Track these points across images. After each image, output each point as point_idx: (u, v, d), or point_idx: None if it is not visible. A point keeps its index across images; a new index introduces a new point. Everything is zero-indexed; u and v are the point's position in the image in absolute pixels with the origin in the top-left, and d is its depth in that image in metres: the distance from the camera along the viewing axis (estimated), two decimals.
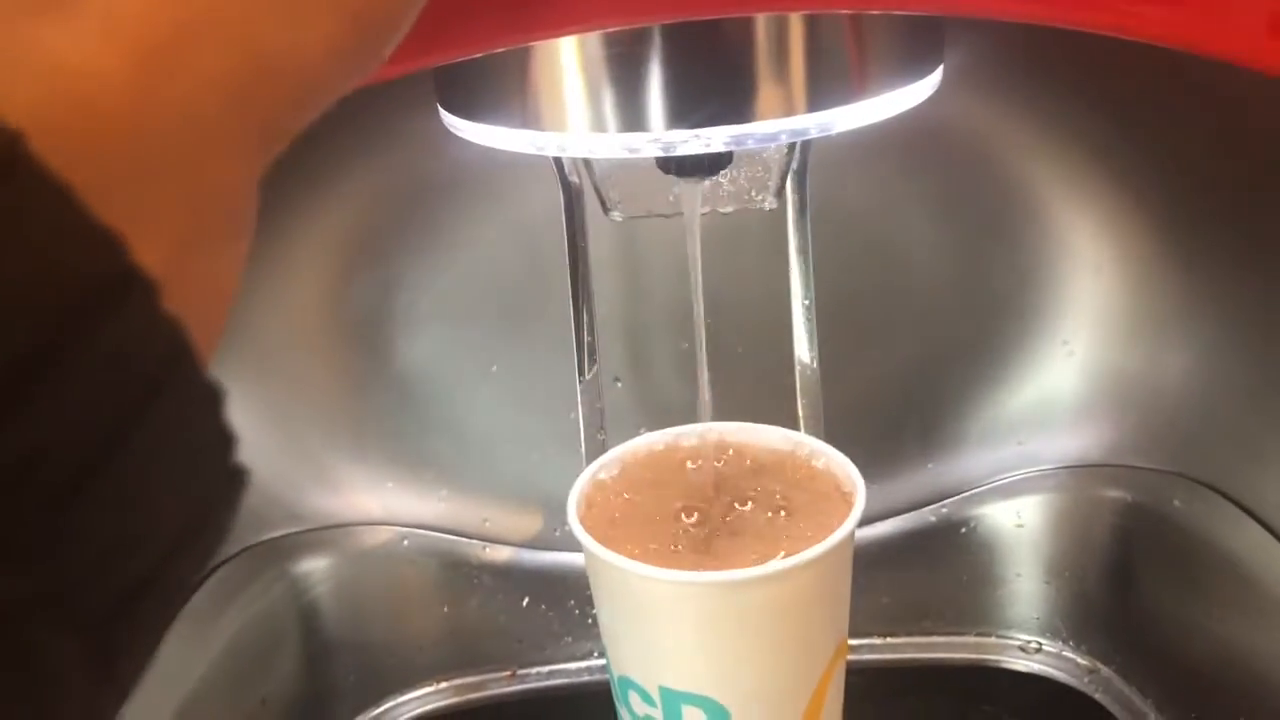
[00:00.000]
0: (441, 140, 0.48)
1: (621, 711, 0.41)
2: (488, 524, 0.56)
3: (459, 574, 0.55)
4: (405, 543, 0.55)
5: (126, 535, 0.14)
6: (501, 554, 0.56)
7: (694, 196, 0.38)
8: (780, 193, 0.43)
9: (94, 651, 0.14)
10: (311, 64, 0.16)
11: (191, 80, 0.14)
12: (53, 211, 0.12)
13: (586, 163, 0.41)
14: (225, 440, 0.15)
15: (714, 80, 0.29)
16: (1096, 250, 0.51)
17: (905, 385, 0.54)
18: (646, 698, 0.39)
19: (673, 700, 0.38)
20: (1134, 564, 0.52)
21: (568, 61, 0.29)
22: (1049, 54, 0.44)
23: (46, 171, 0.12)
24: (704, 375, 0.42)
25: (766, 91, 0.29)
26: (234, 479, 0.15)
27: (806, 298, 0.48)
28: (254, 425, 0.51)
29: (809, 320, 0.48)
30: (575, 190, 0.46)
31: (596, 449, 0.48)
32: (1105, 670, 0.54)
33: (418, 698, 0.55)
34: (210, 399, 0.15)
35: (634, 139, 0.30)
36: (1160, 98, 0.43)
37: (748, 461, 0.43)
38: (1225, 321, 0.49)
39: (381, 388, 0.54)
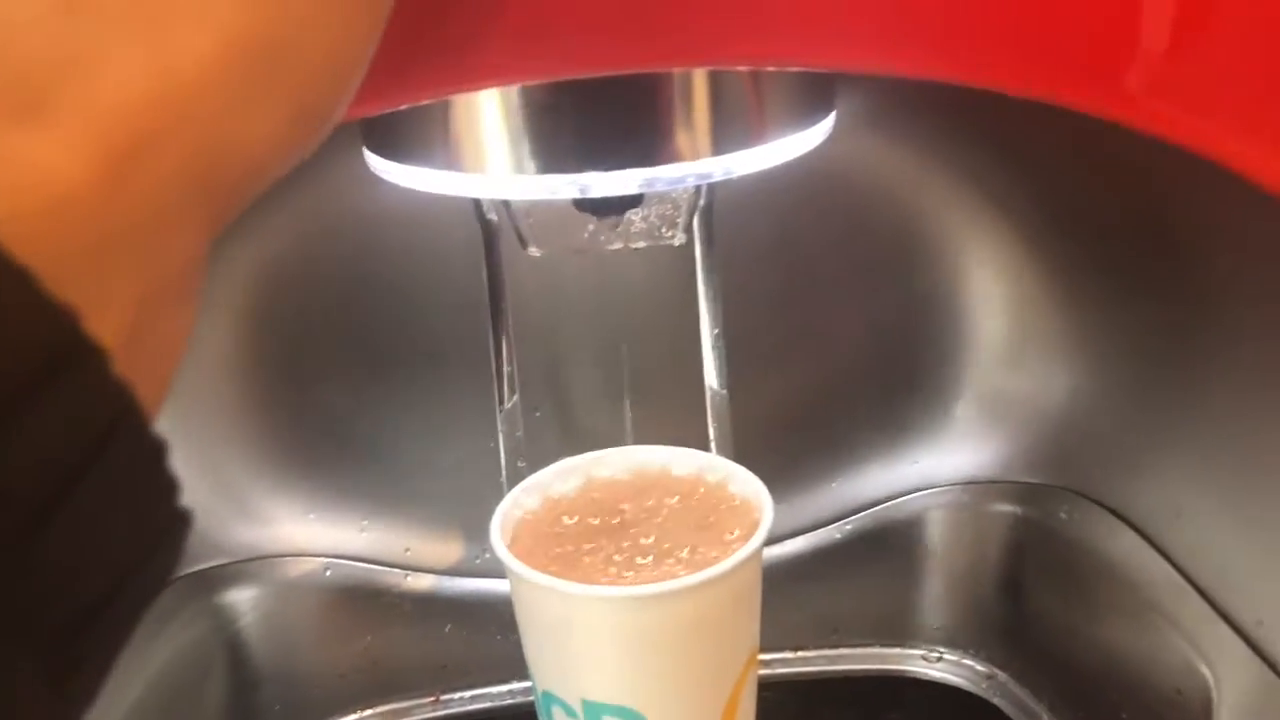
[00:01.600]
0: (362, 177, 0.50)
1: None
2: (409, 553, 0.57)
3: (382, 603, 0.57)
4: (328, 573, 0.56)
5: (81, 566, 0.15)
6: (423, 582, 0.57)
7: (605, 232, 0.40)
8: (688, 229, 0.46)
9: (52, 670, 0.15)
10: (261, 153, 0.18)
11: (152, 178, 0.16)
12: (12, 291, 0.14)
13: (504, 201, 0.43)
14: (169, 487, 0.17)
15: (626, 128, 0.31)
16: (986, 281, 0.54)
17: (810, 409, 0.57)
18: (570, 711, 0.41)
19: (594, 712, 0.40)
20: (1025, 574, 0.56)
21: (489, 110, 0.32)
22: (939, 99, 0.47)
23: (8, 257, 0.14)
24: (626, 401, 0.44)
25: (674, 139, 0.32)
26: (178, 520, 0.17)
27: (715, 327, 0.51)
28: (177, 458, 0.51)
29: (717, 349, 0.51)
30: (493, 227, 0.48)
31: (517, 476, 0.50)
32: (1002, 676, 0.57)
33: None
34: (155, 451, 0.16)
35: (553, 181, 0.32)
36: (1043, 138, 0.47)
37: (662, 483, 0.45)
38: (1103, 347, 0.53)
39: (302, 420, 0.55)
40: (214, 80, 0.17)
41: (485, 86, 0.30)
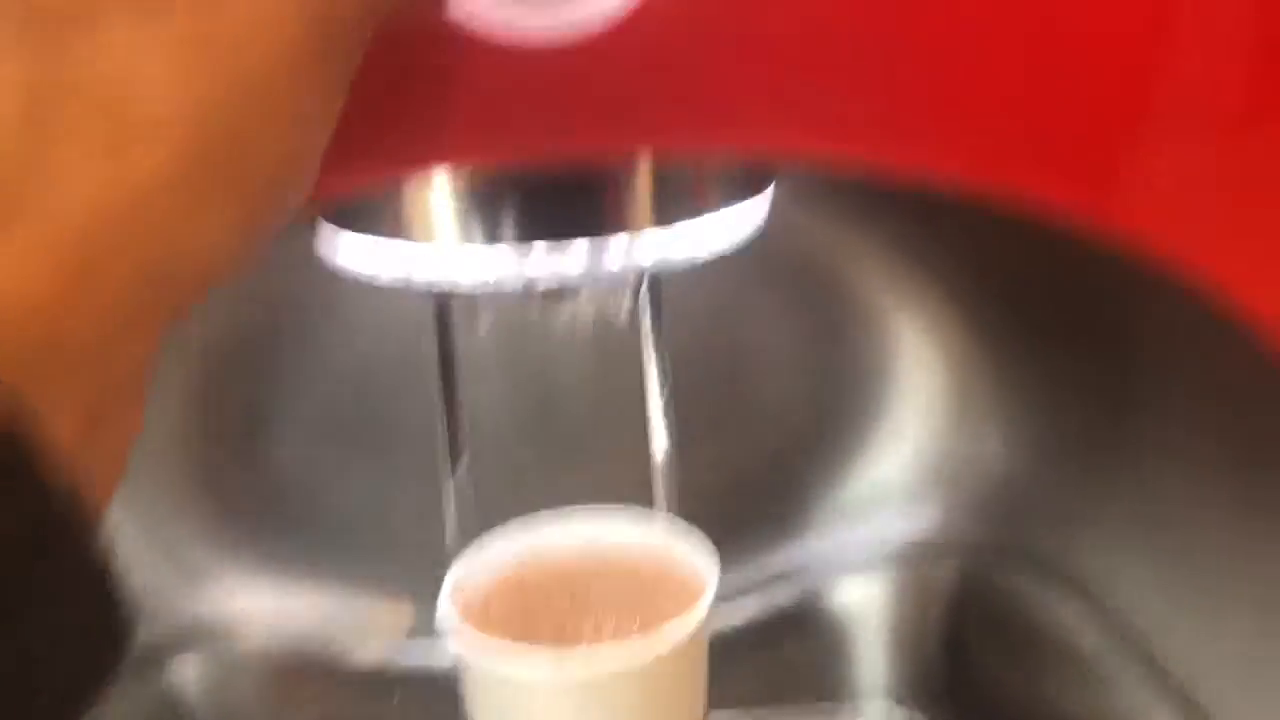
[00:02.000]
0: (310, 247, 0.51)
1: None
2: (357, 623, 0.57)
3: (329, 674, 0.56)
4: (275, 644, 0.55)
5: (27, 664, 0.16)
6: (373, 652, 0.57)
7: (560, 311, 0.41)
8: (635, 299, 0.47)
9: None
10: (214, 256, 0.19)
11: (110, 286, 0.17)
12: None
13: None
14: (114, 594, 0.17)
15: (572, 207, 0.33)
16: (924, 346, 0.56)
17: (755, 473, 0.58)
18: None
19: None
20: (967, 632, 0.57)
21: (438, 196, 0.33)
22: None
23: None
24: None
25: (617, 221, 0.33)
26: (122, 625, 0.18)
27: (662, 392, 0.52)
28: (121, 527, 0.51)
29: (666, 413, 0.52)
30: (444, 299, 0.49)
31: (462, 545, 0.50)
32: None
33: None
34: (102, 556, 0.17)
35: (501, 254, 0.33)
36: (976, 219, 0.49)
37: (608, 549, 0.46)
38: (1039, 409, 0.54)
39: (250, 491, 0.55)
40: (168, 191, 0.17)
41: (428, 169, 0.31)
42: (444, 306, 0.49)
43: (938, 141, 0.32)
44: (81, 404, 0.16)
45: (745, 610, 0.58)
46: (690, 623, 0.39)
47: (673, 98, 0.28)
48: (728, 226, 0.35)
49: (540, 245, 0.33)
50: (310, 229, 0.38)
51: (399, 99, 0.26)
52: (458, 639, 0.40)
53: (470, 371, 0.53)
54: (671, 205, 0.34)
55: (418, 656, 0.57)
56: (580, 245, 0.33)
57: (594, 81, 0.28)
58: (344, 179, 0.29)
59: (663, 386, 0.52)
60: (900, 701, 0.58)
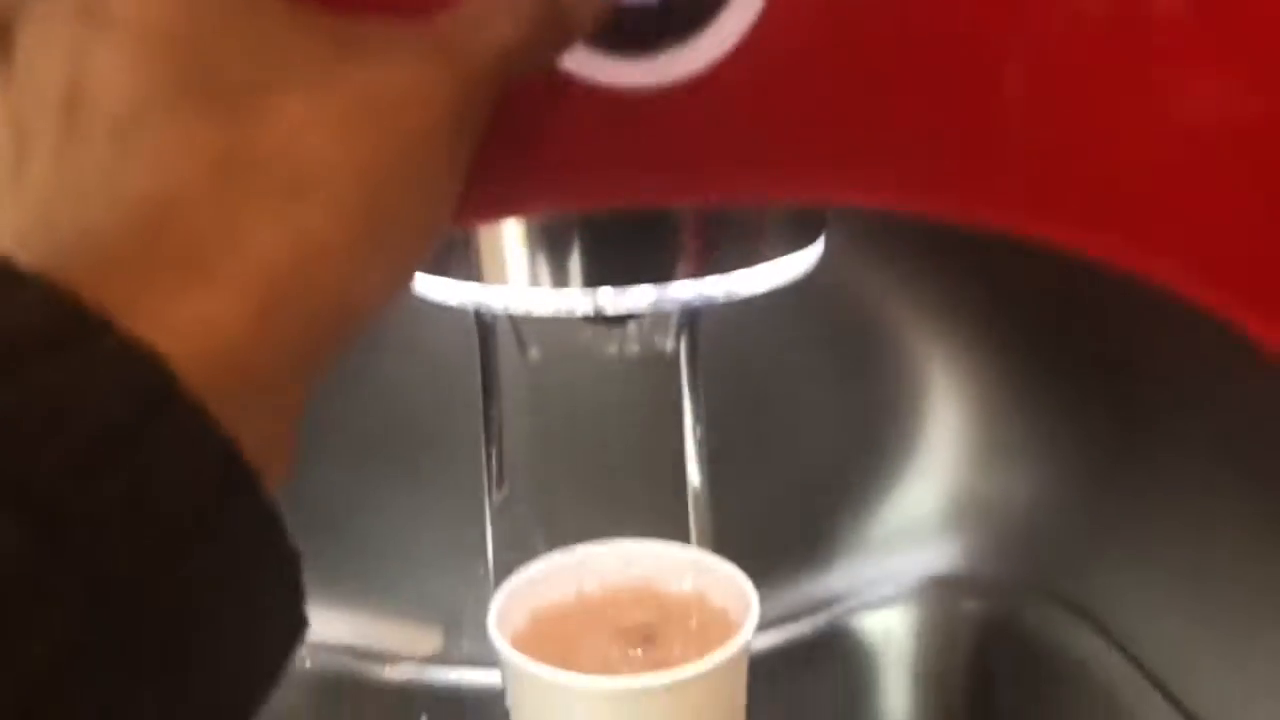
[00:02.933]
0: None
1: None
2: (389, 642, 0.58)
3: (361, 692, 0.57)
4: (307, 662, 0.56)
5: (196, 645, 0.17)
6: (402, 672, 0.58)
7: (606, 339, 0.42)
8: (678, 337, 0.48)
9: None
10: (369, 304, 0.21)
11: (291, 329, 0.19)
12: (189, 428, 0.17)
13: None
14: (296, 598, 0.19)
15: (639, 248, 0.34)
16: (952, 384, 0.57)
17: (785, 507, 0.59)
18: None
19: None
20: (991, 669, 0.58)
21: (510, 229, 0.34)
22: (909, 221, 0.50)
23: (194, 405, 0.17)
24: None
25: (683, 260, 0.34)
26: (297, 624, 0.20)
27: (697, 428, 0.53)
28: None
29: (701, 449, 0.53)
30: (489, 324, 0.50)
31: (504, 568, 0.51)
32: None
33: None
34: (293, 560, 0.19)
35: (569, 296, 0.34)
36: (1006, 260, 0.50)
37: (650, 577, 0.47)
38: (1068, 446, 0.55)
39: (285, 508, 0.56)
40: (339, 247, 0.19)
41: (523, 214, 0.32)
42: (487, 332, 0.50)
43: (988, 192, 0.33)
44: (259, 434, 0.18)
45: (772, 641, 0.59)
46: (732, 648, 0.41)
47: (743, 152, 0.30)
48: (780, 271, 0.37)
49: (605, 289, 0.34)
50: None
51: (495, 147, 0.27)
52: (506, 661, 0.41)
53: (511, 399, 0.54)
54: (731, 254, 0.35)
55: (448, 677, 0.58)
56: (642, 289, 0.35)
57: (669, 134, 0.29)
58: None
59: (697, 420, 0.53)
60: None
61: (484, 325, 0.50)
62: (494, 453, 0.52)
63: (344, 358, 0.53)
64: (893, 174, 0.32)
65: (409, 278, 0.23)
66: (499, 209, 0.30)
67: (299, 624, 0.19)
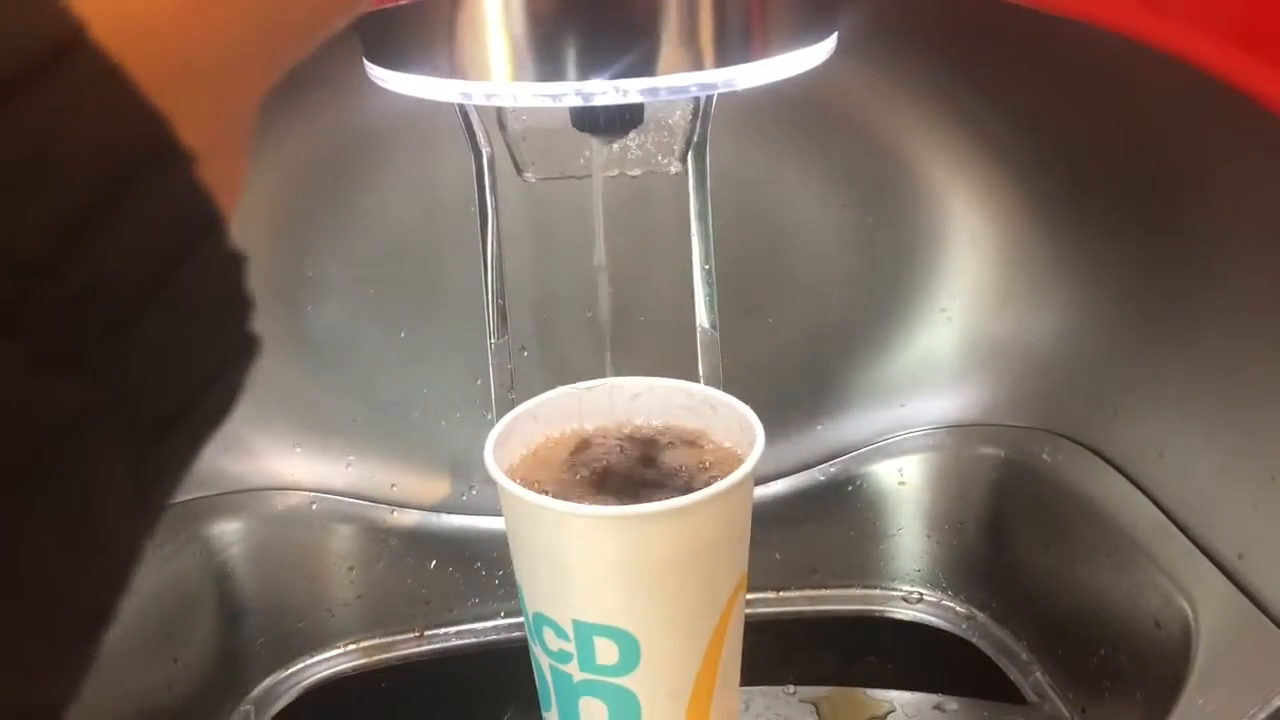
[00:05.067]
0: (353, 106, 0.50)
1: (534, 648, 0.43)
2: (395, 488, 0.57)
3: (368, 537, 0.57)
4: (314, 507, 0.56)
5: (166, 364, 0.16)
6: (409, 518, 0.57)
7: (602, 155, 0.40)
8: (684, 158, 0.46)
9: (136, 470, 0.16)
10: (317, 5, 0.19)
11: (222, 13, 0.17)
12: (109, 89, 0.15)
13: (500, 124, 0.43)
14: (245, 303, 0.17)
15: (630, 36, 0.31)
16: (971, 221, 0.55)
17: (795, 351, 0.57)
18: (560, 632, 0.41)
19: (585, 633, 0.40)
20: (1007, 516, 0.57)
21: (492, 14, 0.32)
22: (927, 32, 0.47)
23: (104, 55, 0.15)
24: (607, 334, 0.44)
25: (678, 48, 0.32)
26: (249, 340, 0.18)
27: (706, 263, 0.51)
28: None
29: (709, 285, 0.51)
30: (484, 159, 0.48)
31: (507, 408, 0.50)
32: (981, 616, 0.58)
33: (328, 659, 0.56)
34: (235, 262, 0.17)
35: (555, 88, 0.32)
36: (1029, 74, 0.47)
37: (653, 410, 0.46)
38: (1088, 288, 0.53)
39: (290, 353, 0.55)
40: None
41: None
42: (483, 170, 0.48)
43: None
44: (204, 120, 0.16)
45: (783, 490, 0.58)
46: (734, 479, 0.39)
47: None
48: (782, 67, 0.34)
49: (600, 84, 0.32)
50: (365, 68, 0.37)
51: None
52: (504, 489, 0.40)
53: (515, 241, 0.52)
54: (731, 46, 0.33)
55: (454, 522, 0.57)
56: (639, 83, 0.32)
57: None
58: None
59: (707, 255, 0.51)
60: (936, 585, 0.58)
61: (479, 160, 0.48)
62: (493, 293, 0.50)
63: (347, 204, 0.52)
64: None
65: None
66: None
67: (246, 339, 0.18)
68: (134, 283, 0.15)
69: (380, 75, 0.35)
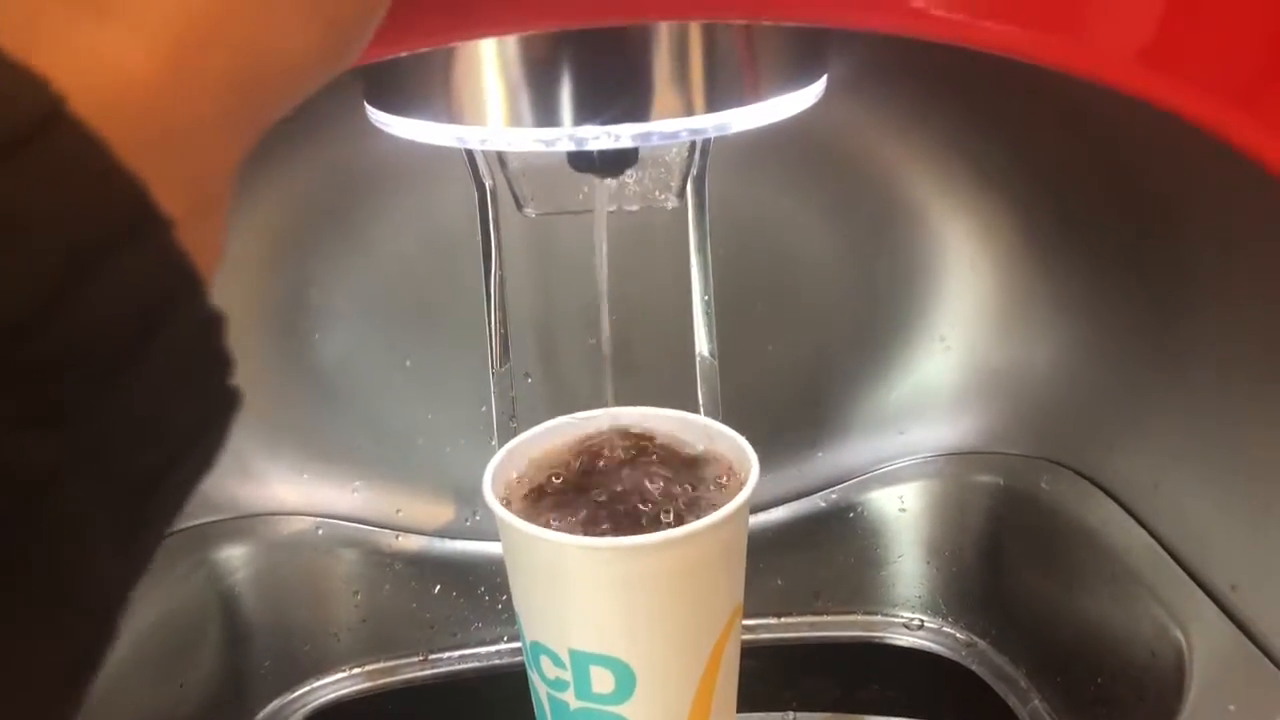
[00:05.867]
0: (359, 141, 0.51)
1: (533, 676, 0.44)
2: (400, 514, 0.58)
3: (372, 562, 0.57)
4: (320, 532, 0.57)
5: (146, 425, 0.16)
6: (414, 543, 0.58)
7: (602, 193, 0.41)
8: (681, 193, 0.46)
9: (117, 527, 0.16)
10: (296, 64, 0.20)
11: (201, 76, 0.18)
12: (87, 159, 0.15)
13: (501, 162, 0.44)
14: (225, 362, 0.18)
15: (622, 81, 0.32)
16: (969, 252, 0.55)
17: (795, 379, 0.58)
18: (557, 661, 0.42)
19: (582, 661, 0.41)
20: (1005, 543, 0.57)
21: (488, 62, 0.32)
22: (924, 69, 0.48)
23: (84, 127, 0.15)
24: (609, 365, 0.45)
25: (669, 94, 0.32)
26: (229, 396, 0.18)
27: (706, 294, 0.52)
28: None
29: (708, 315, 0.52)
30: (488, 192, 0.49)
31: (509, 436, 0.51)
32: (981, 644, 0.58)
33: (333, 682, 0.57)
34: (214, 323, 0.17)
35: (549, 133, 0.33)
36: (1026, 107, 0.48)
37: (651, 442, 0.46)
38: (1085, 319, 0.54)
39: (297, 381, 0.56)
40: (251, 2, 0.18)
41: (489, 34, 0.30)
42: (486, 202, 0.49)
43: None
44: (183, 186, 0.17)
45: (784, 516, 0.59)
46: (729, 510, 0.40)
47: None
48: (773, 110, 0.35)
49: (592, 130, 0.33)
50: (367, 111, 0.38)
51: None
52: (501, 519, 0.41)
53: (518, 270, 0.53)
54: (723, 90, 0.33)
55: (458, 547, 0.58)
56: (630, 128, 0.33)
57: None
58: (399, 40, 0.29)
59: (706, 285, 0.52)
60: (936, 612, 0.59)
61: (482, 192, 0.49)
62: (496, 322, 0.51)
63: (350, 229, 0.52)
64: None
65: (345, 45, 0.21)
66: (457, 24, 0.28)
67: (227, 396, 0.18)
68: (113, 345, 0.16)
69: (381, 120, 0.36)
